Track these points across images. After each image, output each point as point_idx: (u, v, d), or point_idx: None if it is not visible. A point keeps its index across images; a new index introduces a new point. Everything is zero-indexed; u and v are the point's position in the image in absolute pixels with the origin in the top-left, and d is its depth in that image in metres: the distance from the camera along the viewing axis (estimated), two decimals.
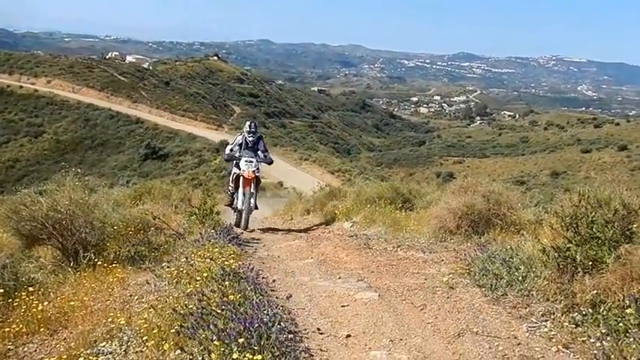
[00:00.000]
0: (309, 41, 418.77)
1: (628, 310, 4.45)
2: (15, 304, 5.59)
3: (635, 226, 5.30)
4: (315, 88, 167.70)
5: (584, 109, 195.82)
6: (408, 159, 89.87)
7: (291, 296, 6.04)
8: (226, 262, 6.29)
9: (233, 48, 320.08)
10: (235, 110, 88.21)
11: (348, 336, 4.99)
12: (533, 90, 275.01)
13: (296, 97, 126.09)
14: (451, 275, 6.71)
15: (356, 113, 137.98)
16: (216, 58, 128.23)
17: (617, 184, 5.86)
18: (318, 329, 5.14)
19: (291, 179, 41.18)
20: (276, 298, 5.91)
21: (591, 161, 75.37)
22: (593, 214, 5.42)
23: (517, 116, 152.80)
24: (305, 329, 5.10)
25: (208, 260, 6.40)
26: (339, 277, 7.04)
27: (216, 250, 7.14)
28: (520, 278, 5.77)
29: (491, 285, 5.96)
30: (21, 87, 77.28)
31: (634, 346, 4.09)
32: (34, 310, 5.42)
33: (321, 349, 4.70)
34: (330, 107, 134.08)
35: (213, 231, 8.68)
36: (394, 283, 6.64)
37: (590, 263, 5.16)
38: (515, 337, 4.87)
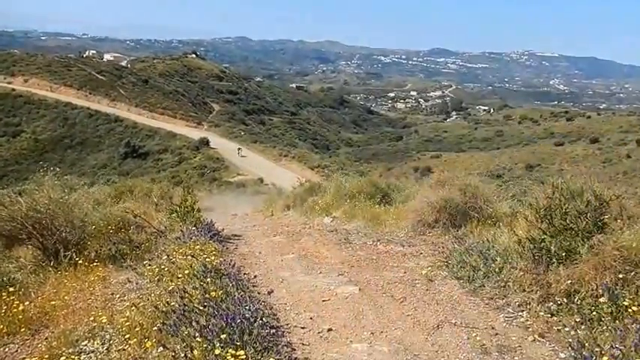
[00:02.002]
0: (286, 38, 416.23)
1: (601, 299, 4.59)
2: None
3: (606, 217, 5.42)
4: (294, 85, 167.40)
5: (556, 102, 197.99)
6: (386, 154, 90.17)
7: (272, 292, 6.11)
8: (208, 259, 6.31)
9: (211, 45, 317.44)
10: (214, 108, 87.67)
11: (330, 330, 5.07)
12: (507, 84, 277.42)
13: (274, 93, 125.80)
14: (430, 268, 6.81)
15: (334, 109, 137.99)
16: (194, 55, 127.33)
17: (589, 176, 5.97)
18: (300, 324, 5.21)
19: (271, 175, 41.16)
20: (258, 293, 5.97)
21: (564, 154, 76.21)
22: (567, 205, 5.55)
23: (492, 110, 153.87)
24: (287, 324, 5.16)
25: (190, 257, 6.41)
26: (320, 272, 7.11)
27: (198, 247, 7.16)
28: (497, 270, 5.89)
29: (469, 277, 6.09)
30: None
31: (607, 333, 4.21)
32: (15, 310, 5.42)
33: (302, 343, 4.76)
34: (309, 103, 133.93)
35: (194, 228, 8.68)
36: (374, 277, 6.73)
37: (564, 254, 5.28)
38: (493, 328, 4.99)
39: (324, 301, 5.88)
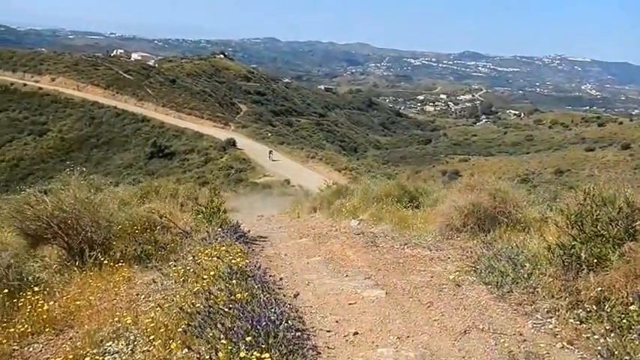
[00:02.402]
0: (315, 39, 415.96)
1: (632, 307, 4.50)
2: (20, 304, 5.61)
3: (638, 223, 5.31)
4: (322, 87, 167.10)
5: (587, 108, 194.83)
6: (415, 157, 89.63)
7: (298, 294, 6.07)
8: (233, 261, 6.30)
9: (239, 46, 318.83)
10: (242, 108, 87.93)
11: (356, 333, 5.02)
12: (538, 89, 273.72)
13: (303, 95, 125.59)
14: (457, 273, 6.73)
15: (362, 111, 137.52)
16: (222, 56, 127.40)
17: (621, 182, 5.85)
18: (326, 327, 5.17)
19: (298, 177, 41.20)
20: (284, 296, 5.94)
21: (595, 159, 74.98)
22: (598, 212, 5.45)
23: (522, 115, 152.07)
24: (312, 327, 5.13)
25: (215, 259, 6.41)
26: (347, 275, 7.06)
27: (223, 248, 7.15)
28: (525, 275, 5.81)
29: (497, 282, 5.99)
30: (25, 85, 76.97)
31: (637, 342, 4.12)
32: (40, 309, 5.44)
33: (328, 347, 4.73)
34: (337, 105, 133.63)
35: (220, 229, 8.69)
36: (401, 281, 6.67)
37: (595, 261, 5.19)
38: (521, 334, 4.90)
39: (350, 304, 5.84)
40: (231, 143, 57.84)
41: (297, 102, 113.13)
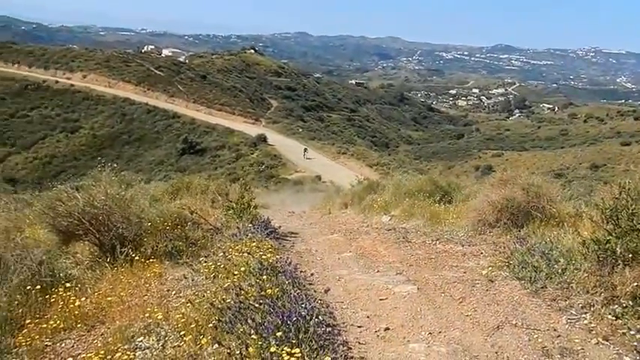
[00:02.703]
0: (346, 34, 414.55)
1: None
2: (52, 300, 5.66)
3: None
4: (353, 81, 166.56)
5: (623, 101, 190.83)
6: (447, 152, 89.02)
7: (329, 290, 6.06)
8: (264, 257, 6.31)
9: (270, 41, 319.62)
10: (272, 104, 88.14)
11: (387, 329, 4.98)
12: (572, 82, 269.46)
13: (334, 90, 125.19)
14: (490, 268, 6.65)
15: (394, 106, 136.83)
16: (252, 51, 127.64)
17: None
18: (357, 322, 5.14)
19: (329, 173, 41.17)
20: (314, 291, 5.93)
21: (631, 154, 73.46)
22: (634, 206, 5.33)
23: (556, 109, 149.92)
24: (343, 322, 5.11)
25: (246, 254, 6.42)
26: (378, 271, 7.03)
27: (254, 244, 7.17)
28: (559, 271, 5.72)
29: (531, 277, 5.91)
30: (57, 82, 78.01)
31: None
32: (72, 305, 5.49)
33: (359, 342, 4.70)
34: (368, 100, 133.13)
35: (250, 225, 8.71)
36: (433, 276, 6.61)
37: (631, 255, 5.08)
38: (555, 330, 4.82)
39: (381, 299, 5.80)
40: (262, 139, 58.01)
41: (328, 97, 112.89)
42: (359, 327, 5.05)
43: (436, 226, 9.64)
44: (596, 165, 70.50)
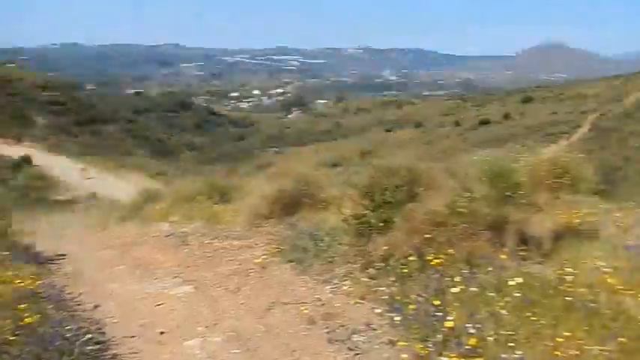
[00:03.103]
0: (124, 42, 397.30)
1: (411, 258, 5.02)
2: None
3: (419, 188, 5.86)
4: (131, 91, 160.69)
5: (386, 92, 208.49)
6: (231, 154, 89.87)
7: (98, 306, 5.79)
8: (22, 284, 5.81)
9: (34, 53, 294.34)
10: (37, 121, 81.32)
11: (162, 333, 4.95)
12: (345, 78, 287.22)
13: (109, 101, 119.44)
14: (264, 256, 6.89)
15: (176, 113, 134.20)
16: (13, 65, 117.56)
17: (406, 155, 6.49)
18: (130, 333, 5.01)
19: (108, 188, 38.97)
20: (83, 311, 5.62)
21: (393, 139, 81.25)
22: (386, 182, 5.86)
23: (331, 104, 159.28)
24: (113, 337, 4.93)
25: None
26: (156, 278, 6.89)
27: (10, 272, 6.55)
28: (325, 248, 6.14)
29: (300, 259, 6.26)
30: None
31: (415, 286, 4.63)
32: None
33: (132, 352, 4.60)
34: (148, 109, 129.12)
35: (7, 253, 7.94)
36: (210, 273, 6.68)
37: (382, 224, 5.60)
38: (320, 299, 5.24)
39: (157, 306, 5.72)
40: (26, 160, 52.99)
41: (104, 109, 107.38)
42: (132, 337, 4.92)
43: (215, 226, 9.67)
44: (365, 152, 76.13)
